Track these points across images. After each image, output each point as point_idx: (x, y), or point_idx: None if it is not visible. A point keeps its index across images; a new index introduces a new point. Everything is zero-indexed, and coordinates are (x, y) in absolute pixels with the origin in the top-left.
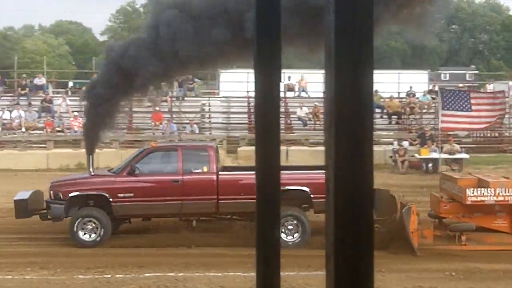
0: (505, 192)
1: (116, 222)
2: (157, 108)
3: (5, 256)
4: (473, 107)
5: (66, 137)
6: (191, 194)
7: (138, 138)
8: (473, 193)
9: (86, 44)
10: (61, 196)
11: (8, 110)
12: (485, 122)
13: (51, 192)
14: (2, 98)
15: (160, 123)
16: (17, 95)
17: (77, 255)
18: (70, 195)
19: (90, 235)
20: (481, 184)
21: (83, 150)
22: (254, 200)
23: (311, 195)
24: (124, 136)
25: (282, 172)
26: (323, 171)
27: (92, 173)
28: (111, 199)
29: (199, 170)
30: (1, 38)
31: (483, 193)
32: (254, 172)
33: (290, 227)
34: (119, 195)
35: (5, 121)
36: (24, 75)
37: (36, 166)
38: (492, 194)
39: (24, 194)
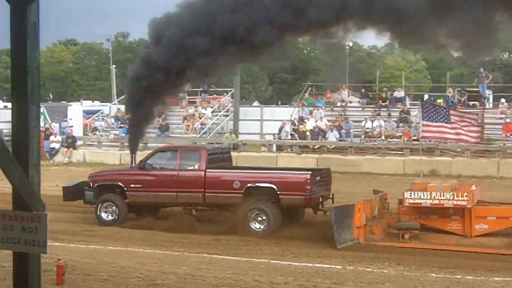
0: (440, 196)
1: (131, 207)
2: (508, 120)
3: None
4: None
5: (421, 146)
6: (184, 187)
7: (489, 148)
8: (410, 196)
9: (442, 59)
10: (91, 185)
11: (370, 120)
12: (465, 139)
13: (88, 181)
14: (365, 109)
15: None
16: (378, 107)
17: (431, 254)
18: (96, 184)
19: (109, 216)
20: (422, 188)
21: (437, 158)
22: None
23: (278, 192)
24: (475, 146)
25: (256, 171)
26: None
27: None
28: (125, 188)
29: (191, 168)
30: (366, 56)
31: (420, 196)
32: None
33: (259, 218)
34: (131, 185)
35: (367, 130)
36: (385, 89)
37: (393, 171)
38: (428, 198)
39: (71, 183)
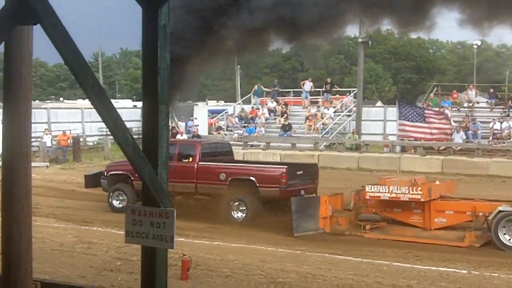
0: (397, 190)
1: (139, 195)
2: None
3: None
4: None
5: None
6: (180, 177)
7: None
8: (370, 189)
9: None
10: (106, 174)
11: (499, 121)
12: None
13: (104, 171)
14: (494, 110)
15: None
16: (507, 107)
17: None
18: (109, 173)
19: (119, 203)
20: (383, 182)
21: None
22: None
23: (257, 184)
24: None
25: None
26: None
27: None
28: (132, 178)
29: (186, 160)
30: (494, 55)
31: (379, 190)
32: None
33: (240, 208)
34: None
35: (495, 131)
36: None
37: None
38: (386, 191)
39: (92, 172)
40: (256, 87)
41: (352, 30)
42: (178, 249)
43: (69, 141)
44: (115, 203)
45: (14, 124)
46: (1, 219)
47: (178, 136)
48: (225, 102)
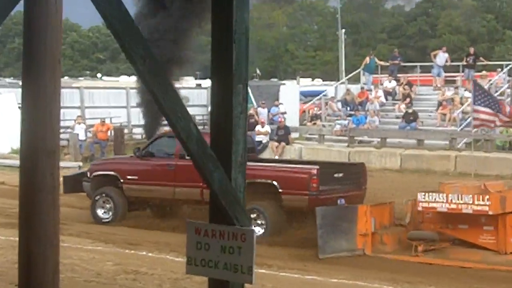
0: (457, 199)
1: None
2: None
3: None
4: None
5: None
6: (183, 179)
7: None
8: (423, 198)
9: None
10: (89, 174)
11: None
12: None
13: (87, 171)
14: None
15: None
16: None
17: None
18: (93, 174)
19: (105, 212)
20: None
21: None
22: None
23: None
24: None
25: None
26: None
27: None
28: (122, 180)
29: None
30: None
31: (435, 199)
32: None
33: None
34: (128, 176)
35: None
36: None
37: None
38: (444, 201)
39: (73, 172)
40: (367, 59)
41: None
42: (258, 284)
43: (109, 133)
44: (100, 212)
45: (37, 109)
46: (18, 238)
47: (258, 128)
48: (324, 80)
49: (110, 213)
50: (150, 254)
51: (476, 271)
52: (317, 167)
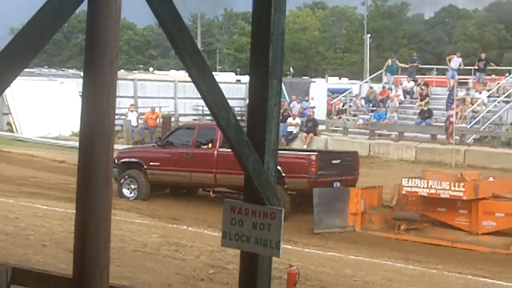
0: (437, 185)
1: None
2: None
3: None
4: None
5: None
6: (199, 165)
7: None
8: (407, 183)
9: None
10: (117, 161)
11: None
12: None
13: (115, 158)
14: None
15: None
16: None
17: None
18: (121, 161)
19: (131, 192)
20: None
21: None
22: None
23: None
24: None
25: None
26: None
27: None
28: (145, 166)
29: (207, 145)
30: None
31: (417, 184)
32: None
33: None
34: (151, 163)
35: None
36: None
37: None
38: (425, 186)
39: None
40: (389, 61)
41: None
42: (285, 258)
43: (158, 121)
44: (126, 192)
45: (96, 97)
46: (75, 210)
47: (290, 120)
48: (350, 79)
49: (133, 193)
50: (190, 229)
51: (451, 249)
52: (316, 154)
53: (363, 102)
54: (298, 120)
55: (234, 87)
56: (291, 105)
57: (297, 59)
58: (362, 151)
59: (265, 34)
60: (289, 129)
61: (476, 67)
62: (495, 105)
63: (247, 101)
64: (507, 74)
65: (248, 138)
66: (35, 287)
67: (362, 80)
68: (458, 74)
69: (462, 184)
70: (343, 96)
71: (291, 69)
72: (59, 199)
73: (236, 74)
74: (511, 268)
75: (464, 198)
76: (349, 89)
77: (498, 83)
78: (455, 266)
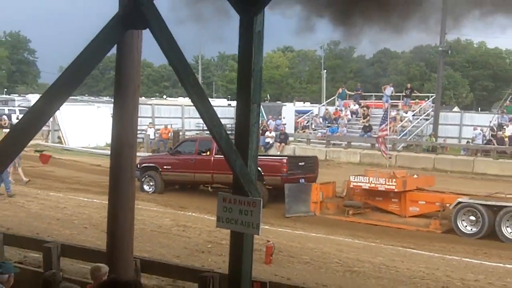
0: (375, 181)
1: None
2: None
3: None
4: None
5: None
6: (200, 168)
7: None
8: (354, 179)
9: None
10: (139, 166)
11: None
12: None
13: (138, 163)
14: None
15: None
16: None
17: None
18: (142, 165)
19: (149, 187)
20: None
21: None
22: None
23: (263, 173)
24: None
25: None
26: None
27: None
28: (160, 169)
29: (206, 153)
30: None
31: (361, 180)
32: None
33: None
34: (164, 167)
35: None
36: None
37: None
38: (367, 181)
39: None
40: (340, 90)
41: (433, 40)
42: (263, 235)
43: (169, 135)
44: (146, 187)
45: (123, 117)
46: (108, 201)
47: (267, 133)
48: (311, 103)
49: (152, 188)
50: (194, 214)
51: (386, 228)
52: (286, 158)
53: (321, 120)
54: (273, 134)
55: (226, 109)
56: (268, 122)
57: (273, 89)
58: (321, 156)
59: (248, 71)
60: (267, 140)
61: (404, 94)
62: (418, 121)
63: (235, 120)
64: (426, 99)
65: (235, 147)
66: (78, 259)
67: (320, 104)
68: (391, 99)
69: (394, 180)
70: (306, 116)
71: (268, 96)
72: (96, 193)
73: (228, 100)
74: (430, 241)
75: (396, 190)
76: (310, 110)
77: (420, 106)
78: (389, 240)
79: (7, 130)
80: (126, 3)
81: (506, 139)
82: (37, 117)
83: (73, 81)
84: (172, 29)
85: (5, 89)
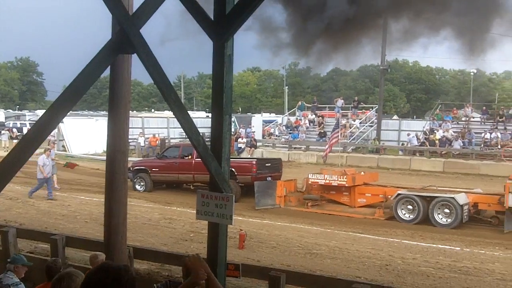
0: (329, 178)
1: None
2: None
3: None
4: None
5: None
6: (183, 169)
7: None
8: (312, 177)
9: None
10: (131, 168)
11: (489, 132)
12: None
13: (130, 166)
14: (485, 123)
15: None
16: (496, 122)
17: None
18: (134, 168)
19: (140, 187)
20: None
21: None
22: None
23: (236, 173)
24: None
25: None
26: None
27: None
28: (149, 171)
29: (188, 157)
30: (487, 81)
31: (317, 177)
32: None
33: None
34: (153, 169)
35: (486, 140)
36: (502, 107)
37: (507, 174)
38: (322, 178)
39: None
40: (300, 103)
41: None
42: (236, 225)
43: (157, 142)
44: (138, 187)
45: (116, 128)
46: (104, 199)
47: (239, 140)
48: (276, 114)
49: (142, 188)
50: (178, 209)
51: (339, 217)
52: (256, 160)
53: (284, 128)
54: (244, 140)
55: (204, 120)
56: (240, 131)
57: (244, 102)
58: (284, 158)
59: (220, 88)
60: (239, 145)
61: (352, 105)
62: (364, 128)
63: (211, 129)
64: (371, 109)
65: (211, 152)
66: (80, 248)
67: (283, 114)
68: (342, 110)
69: (345, 176)
70: (272, 124)
71: (240, 108)
72: (95, 192)
73: (206, 112)
74: (375, 227)
75: (347, 185)
76: (275, 120)
77: (366, 115)
78: (341, 227)
79: (17, 141)
80: (117, 31)
81: (437, 141)
82: (43, 128)
83: (73, 98)
84: (157, 54)
85: (17, 106)
